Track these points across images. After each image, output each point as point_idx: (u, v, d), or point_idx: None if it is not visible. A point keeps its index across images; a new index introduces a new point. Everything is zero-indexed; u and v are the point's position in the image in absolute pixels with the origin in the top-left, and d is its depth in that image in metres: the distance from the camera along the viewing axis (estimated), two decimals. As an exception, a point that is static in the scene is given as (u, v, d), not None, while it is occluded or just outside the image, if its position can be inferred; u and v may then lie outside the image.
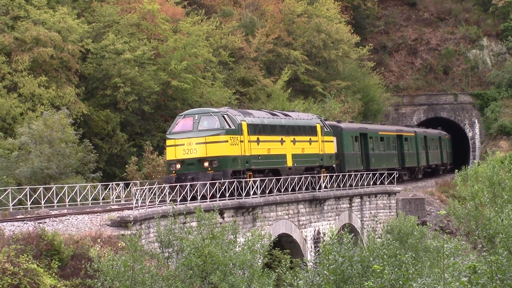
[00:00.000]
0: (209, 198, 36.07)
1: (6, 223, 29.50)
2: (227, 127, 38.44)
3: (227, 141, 38.25)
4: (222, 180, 37.32)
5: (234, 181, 37.92)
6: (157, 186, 35.30)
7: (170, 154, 38.63)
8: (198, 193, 35.86)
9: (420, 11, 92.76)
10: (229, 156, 38.30)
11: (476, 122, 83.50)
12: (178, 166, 38.21)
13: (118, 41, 52.91)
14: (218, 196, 36.46)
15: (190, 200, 34.94)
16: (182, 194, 35.34)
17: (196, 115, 39.03)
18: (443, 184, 65.35)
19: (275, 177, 41.51)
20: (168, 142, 39.01)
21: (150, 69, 53.59)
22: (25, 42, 48.81)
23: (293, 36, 70.81)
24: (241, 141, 39.21)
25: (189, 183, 36.18)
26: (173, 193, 34.94)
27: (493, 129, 79.97)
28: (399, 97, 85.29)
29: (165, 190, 35.14)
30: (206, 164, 37.90)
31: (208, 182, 36.79)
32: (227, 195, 37.00)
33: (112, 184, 40.36)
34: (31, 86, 47.67)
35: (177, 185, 35.60)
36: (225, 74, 61.46)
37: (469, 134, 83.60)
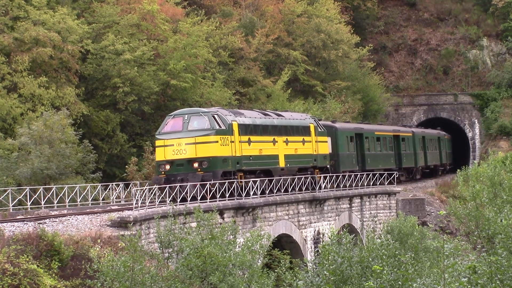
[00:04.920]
0: (209, 199, 36.04)
1: (6, 223, 29.51)
2: (217, 127, 37.91)
3: (217, 142, 37.72)
4: (222, 181, 37.23)
5: (234, 181, 37.85)
6: (157, 186, 35.28)
7: (159, 154, 38.08)
8: (198, 194, 35.77)
9: (420, 11, 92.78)
10: (219, 156, 37.78)
11: (476, 122, 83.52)
12: (167, 167, 37.66)
13: (118, 41, 52.92)
14: (218, 196, 36.41)
15: (190, 201, 34.90)
16: (182, 195, 35.27)
17: (186, 115, 38.49)
18: (443, 184, 65.30)
19: (274, 178, 41.40)
20: (157, 143, 38.51)
21: (150, 69, 53.62)
22: (24, 43, 48.84)
23: (293, 36, 70.82)
24: (232, 142, 38.66)
25: (189, 184, 36.06)
26: (173, 193, 34.88)
27: (493, 129, 79.98)
28: (399, 98, 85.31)
29: (165, 191, 35.08)
30: (195, 165, 37.35)
31: (208, 182, 36.66)
32: (227, 195, 36.96)
33: (112, 184, 40.36)
34: (31, 86, 47.69)
35: (177, 186, 35.55)
36: (225, 74, 61.46)
37: (469, 134, 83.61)
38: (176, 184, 35.76)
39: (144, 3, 55.68)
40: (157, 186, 35.21)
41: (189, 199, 35.15)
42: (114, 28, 55.13)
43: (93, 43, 52.98)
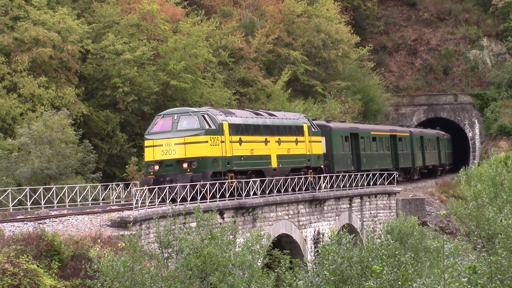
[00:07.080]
0: (209, 198, 36.01)
1: (6, 223, 29.52)
2: (207, 127, 37.56)
3: (207, 142, 37.36)
4: (222, 181, 37.14)
5: (235, 181, 37.78)
6: (157, 186, 35.27)
7: (148, 155, 37.77)
8: (198, 194, 35.72)
9: (420, 11, 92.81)
10: (209, 157, 37.44)
11: (476, 122, 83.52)
12: (156, 167, 37.35)
13: (118, 41, 52.92)
14: (218, 196, 36.37)
15: (190, 201, 34.88)
16: (182, 195, 35.26)
17: (176, 115, 38.13)
18: (443, 184, 65.22)
19: (274, 178, 41.32)
20: (146, 143, 38.17)
21: (150, 69, 53.62)
22: (24, 43, 48.84)
23: (293, 36, 70.82)
24: (222, 142, 38.27)
25: (188, 184, 36.00)
26: (173, 193, 34.87)
27: (493, 129, 79.98)
28: (399, 98, 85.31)
29: (165, 191, 35.05)
30: (185, 165, 37.04)
31: (208, 182, 36.59)
32: (227, 195, 36.92)
33: (112, 184, 40.33)
34: (31, 86, 47.69)
35: (177, 186, 35.51)
36: (225, 74, 61.45)
37: (469, 134, 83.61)
38: (176, 185, 35.71)
39: (144, 3, 55.68)
40: (157, 186, 35.15)
41: (189, 199, 35.13)
42: (114, 28, 55.12)
43: (93, 43, 52.97)
